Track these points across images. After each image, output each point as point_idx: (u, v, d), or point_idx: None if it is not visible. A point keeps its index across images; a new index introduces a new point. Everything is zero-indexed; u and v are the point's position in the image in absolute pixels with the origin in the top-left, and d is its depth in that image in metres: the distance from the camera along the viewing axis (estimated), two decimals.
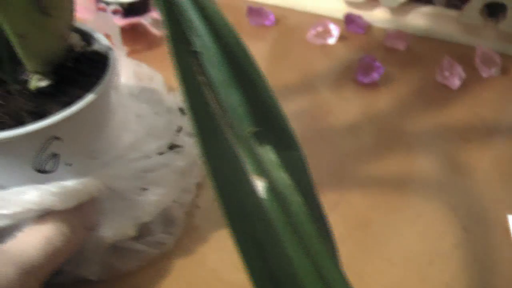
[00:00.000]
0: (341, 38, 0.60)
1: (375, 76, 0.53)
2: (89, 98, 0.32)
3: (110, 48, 0.36)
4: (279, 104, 0.22)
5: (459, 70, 0.53)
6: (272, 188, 0.18)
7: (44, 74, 0.32)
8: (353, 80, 0.54)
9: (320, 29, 0.59)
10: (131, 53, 0.57)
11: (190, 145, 0.42)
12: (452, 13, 0.60)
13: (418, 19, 0.61)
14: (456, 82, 0.53)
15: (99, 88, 0.33)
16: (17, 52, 0.31)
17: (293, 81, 0.54)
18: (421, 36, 0.61)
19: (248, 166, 0.19)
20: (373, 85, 0.53)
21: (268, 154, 0.19)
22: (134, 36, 0.59)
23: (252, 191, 0.18)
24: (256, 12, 0.62)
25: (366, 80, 0.53)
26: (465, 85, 0.53)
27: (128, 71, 0.48)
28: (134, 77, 0.48)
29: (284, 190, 0.19)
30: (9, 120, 0.31)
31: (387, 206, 0.42)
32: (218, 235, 0.39)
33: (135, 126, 0.39)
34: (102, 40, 0.36)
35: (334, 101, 0.52)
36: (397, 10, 0.61)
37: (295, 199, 0.18)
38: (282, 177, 0.19)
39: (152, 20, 0.58)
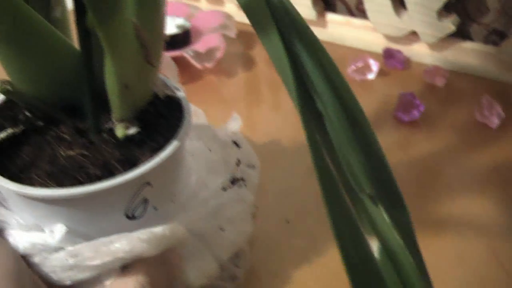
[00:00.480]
0: (381, 73, 0.61)
1: (415, 114, 0.54)
2: (175, 143, 0.33)
3: (179, 90, 0.38)
4: (389, 164, 0.23)
5: (498, 109, 0.53)
6: (386, 248, 0.19)
7: (129, 121, 0.33)
8: (392, 116, 0.55)
9: (360, 64, 0.60)
10: None
11: (252, 176, 0.42)
12: (491, 49, 0.60)
13: (457, 54, 0.61)
14: (495, 121, 0.53)
15: (181, 132, 0.34)
16: (112, 101, 0.32)
17: None
18: (460, 72, 0.61)
19: (365, 226, 0.20)
20: (412, 123, 0.54)
21: (382, 215, 0.21)
22: None
23: (368, 250, 0.19)
24: None
25: (406, 117, 0.54)
26: (504, 124, 0.54)
27: None
28: None
29: (396, 251, 0.20)
30: (97, 170, 0.32)
31: (426, 247, 0.43)
32: (285, 267, 0.41)
33: (193, 165, 0.40)
34: (169, 82, 0.38)
35: None
36: (436, 46, 0.62)
37: (407, 261, 0.19)
38: (395, 238, 0.20)
39: (193, 52, 0.60)
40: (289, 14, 0.24)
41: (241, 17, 0.71)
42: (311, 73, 0.23)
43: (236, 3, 0.69)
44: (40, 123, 0.34)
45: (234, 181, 0.41)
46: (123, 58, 0.30)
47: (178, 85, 0.54)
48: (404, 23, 0.62)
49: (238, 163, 0.43)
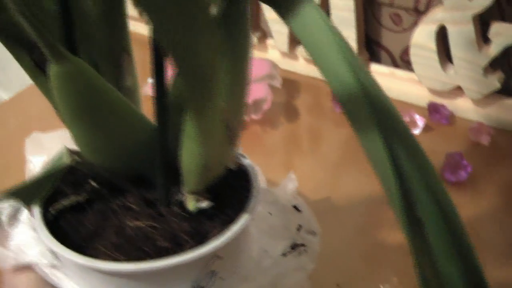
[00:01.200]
0: (426, 128, 0.61)
1: (463, 175, 0.54)
2: (246, 216, 0.33)
3: (244, 157, 0.38)
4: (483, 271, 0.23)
5: None
6: None
7: (200, 194, 0.33)
8: (439, 176, 0.55)
9: (406, 119, 0.60)
10: None
11: (313, 243, 0.42)
12: None
13: (502, 111, 0.61)
14: None
15: (251, 204, 0.34)
16: (186, 178, 0.32)
17: (373, 177, 0.55)
18: (505, 130, 0.61)
19: None
20: (459, 184, 0.54)
21: None
22: None
23: None
24: None
25: (453, 178, 0.54)
26: None
27: None
28: None
29: None
30: (166, 242, 0.32)
31: None
32: None
33: (254, 230, 0.40)
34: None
35: None
36: (480, 102, 0.62)
37: None
38: None
39: None
40: (390, 113, 0.24)
41: (285, 65, 0.71)
42: (411, 178, 0.23)
43: (280, 49, 0.70)
44: (105, 192, 0.35)
45: (294, 246, 0.41)
46: (208, 141, 0.30)
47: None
48: (449, 78, 0.62)
49: (299, 228, 0.43)
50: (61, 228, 0.34)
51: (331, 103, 0.65)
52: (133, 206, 0.34)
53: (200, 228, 0.33)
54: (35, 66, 0.32)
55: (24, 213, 0.38)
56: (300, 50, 0.69)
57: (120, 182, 0.35)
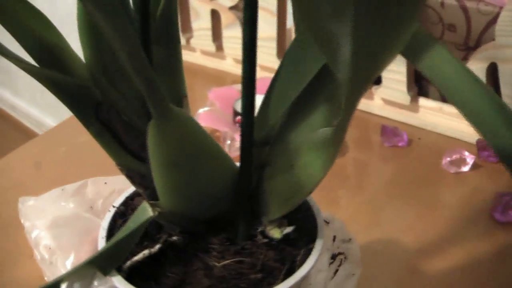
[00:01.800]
0: (475, 165, 0.61)
1: None
2: (321, 240, 0.34)
3: None
4: None
5: None
6: None
7: (279, 221, 0.34)
8: (488, 215, 0.54)
9: (455, 157, 0.60)
10: None
11: (352, 249, 0.43)
12: None
13: None
14: None
15: (320, 228, 0.35)
16: (272, 212, 0.33)
17: (421, 212, 0.55)
18: None
19: None
20: (509, 224, 0.54)
21: None
22: None
23: None
24: (390, 132, 0.64)
25: (502, 218, 0.53)
26: None
27: None
28: None
29: None
30: (257, 274, 0.32)
31: None
32: None
33: None
34: None
35: (468, 237, 0.52)
36: None
37: None
38: None
39: None
40: None
41: None
42: None
43: None
44: (183, 239, 0.34)
45: (334, 256, 0.42)
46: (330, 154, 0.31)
47: None
48: None
49: (334, 239, 0.44)
50: (141, 285, 0.32)
51: (379, 137, 0.65)
52: (215, 246, 0.34)
53: (285, 254, 0.34)
54: (101, 125, 0.33)
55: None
56: None
57: (197, 225, 0.35)
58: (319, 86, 0.30)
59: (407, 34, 0.18)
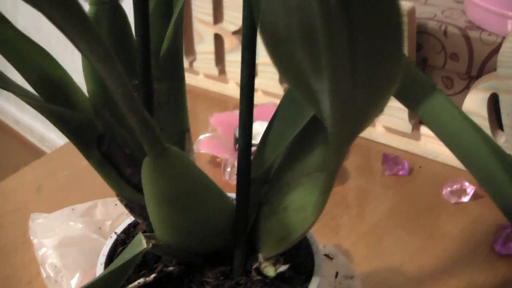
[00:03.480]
0: (475, 196, 0.61)
1: None
2: (318, 278, 0.34)
3: None
4: None
5: None
6: None
7: (275, 258, 0.34)
8: (489, 247, 0.54)
9: (455, 187, 0.60)
10: None
11: (354, 286, 0.43)
12: None
13: None
14: None
15: (318, 265, 0.35)
16: (268, 250, 0.33)
17: (422, 243, 0.55)
18: None
19: None
20: (511, 256, 0.53)
21: None
22: None
23: None
24: (391, 160, 0.64)
25: (503, 251, 0.53)
26: None
27: None
28: None
29: None
30: None
31: None
32: None
33: None
34: None
35: (469, 269, 0.52)
36: None
37: None
38: None
39: None
40: None
41: None
42: None
43: None
44: (179, 270, 0.35)
45: None
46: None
47: None
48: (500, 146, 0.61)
49: (336, 275, 0.44)
50: None
51: (381, 165, 0.65)
52: (210, 280, 0.34)
53: None
54: (102, 157, 0.33)
55: None
56: None
57: (193, 258, 0.35)
58: (316, 128, 0.30)
59: (386, 98, 0.18)
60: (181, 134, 0.36)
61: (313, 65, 0.18)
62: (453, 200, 0.60)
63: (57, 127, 0.32)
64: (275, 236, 0.32)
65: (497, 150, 0.25)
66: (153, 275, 0.34)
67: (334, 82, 0.17)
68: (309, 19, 0.16)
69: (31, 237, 0.53)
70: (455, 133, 0.25)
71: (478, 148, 0.25)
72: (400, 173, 0.64)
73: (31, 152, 2.05)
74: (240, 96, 0.29)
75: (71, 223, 0.53)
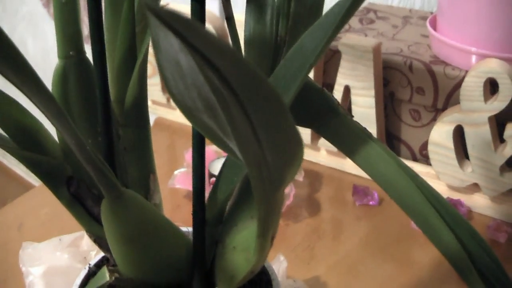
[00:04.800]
0: None
1: None
2: None
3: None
4: None
5: None
6: None
7: None
8: (457, 274, 0.56)
9: None
10: None
11: None
12: None
13: None
14: None
15: None
16: (222, 282, 0.35)
17: (392, 271, 0.57)
18: None
19: None
20: None
21: None
22: None
23: None
24: (361, 191, 0.66)
25: None
26: None
27: None
28: None
29: None
30: None
31: None
32: None
33: None
34: None
35: None
36: (498, 199, 0.64)
37: None
38: None
39: None
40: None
41: (307, 156, 0.74)
42: None
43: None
44: None
45: None
46: (262, 253, 0.32)
47: None
48: (466, 176, 0.64)
49: None
50: None
51: (351, 196, 0.67)
52: None
53: None
54: (71, 197, 0.35)
55: None
56: (322, 142, 0.72)
57: None
58: None
59: (296, 159, 0.21)
60: (146, 177, 0.38)
61: (222, 130, 0.20)
62: None
63: (30, 170, 0.34)
64: (227, 274, 0.34)
65: (432, 195, 0.27)
66: None
67: (240, 144, 0.19)
68: (206, 94, 0.18)
69: (20, 265, 0.55)
70: (391, 181, 0.27)
71: (413, 194, 0.27)
72: (370, 203, 0.66)
73: (19, 184, 2.06)
74: (192, 148, 0.31)
75: (58, 253, 0.55)
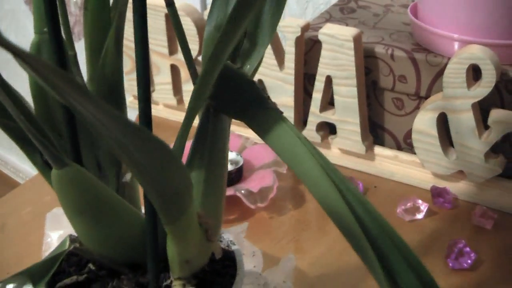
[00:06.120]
0: (429, 212, 0.62)
1: (467, 262, 0.55)
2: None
3: (234, 244, 0.40)
4: None
5: None
6: None
7: (187, 280, 0.36)
8: (443, 262, 0.56)
9: (409, 205, 0.61)
10: (224, 224, 0.60)
11: None
12: None
13: (505, 195, 0.63)
14: None
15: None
16: (172, 268, 0.35)
17: None
18: (509, 214, 0.62)
19: None
20: (463, 271, 0.55)
21: None
22: (225, 205, 0.63)
23: None
24: None
25: (456, 265, 0.55)
26: None
27: None
28: None
29: None
30: None
31: None
32: None
33: None
34: (226, 236, 0.41)
35: None
36: (483, 185, 0.63)
37: None
38: None
39: (246, 191, 0.61)
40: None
41: None
42: None
43: None
44: (103, 274, 0.38)
45: None
46: (186, 241, 0.34)
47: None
48: (451, 163, 0.63)
49: None
50: None
51: None
52: None
53: None
54: (45, 164, 0.36)
55: None
56: (305, 133, 0.71)
57: (116, 266, 0.38)
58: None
59: None
60: (119, 165, 0.39)
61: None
62: (407, 218, 0.62)
63: (8, 135, 0.35)
64: (176, 260, 0.35)
65: (329, 167, 0.28)
66: (84, 275, 0.38)
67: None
68: None
69: (45, 230, 0.57)
70: (294, 155, 0.28)
71: (310, 163, 0.28)
72: None
73: (5, 183, 2.05)
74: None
75: None
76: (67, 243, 0.39)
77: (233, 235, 0.43)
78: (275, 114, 0.30)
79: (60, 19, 0.32)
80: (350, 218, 0.26)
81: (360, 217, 0.27)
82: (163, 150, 0.26)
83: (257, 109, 0.31)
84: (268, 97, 0.31)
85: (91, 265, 0.38)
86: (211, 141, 0.34)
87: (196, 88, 0.31)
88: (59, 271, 0.38)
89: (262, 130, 0.30)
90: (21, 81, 0.46)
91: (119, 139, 0.24)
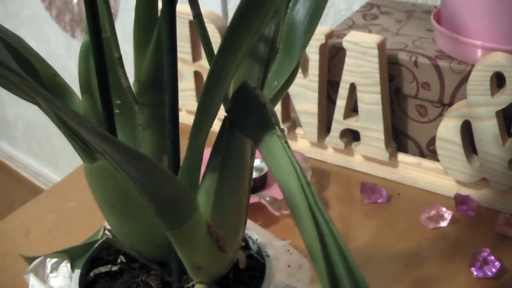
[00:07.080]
0: (453, 220, 0.62)
1: (492, 271, 0.54)
2: None
3: (267, 255, 0.40)
4: None
5: None
6: None
7: (208, 285, 0.37)
8: (467, 271, 0.56)
9: (433, 213, 0.61)
10: None
11: None
12: None
13: None
14: None
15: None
16: (189, 273, 0.36)
17: (402, 268, 0.57)
18: None
19: None
20: (487, 280, 0.55)
21: None
22: (250, 212, 0.63)
23: None
24: (369, 189, 0.65)
25: (481, 274, 0.55)
26: None
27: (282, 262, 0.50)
28: (283, 270, 0.50)
29: None
30: None
31: None
32: None
33: None
34: (262, 246, 0.42)
35: None
36: (507, 193, 0.63)
37: None
38: None
39: (270, 199, 0.62)
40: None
41: (314, 154, 0.73)
42: None
43: (309, 139, 0.72)
44: (134, 267, 0.40)
45: None
46: (191, 249, 0.34)
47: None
48: (475, 171, 0.63)
49: None
50: None
51: (360, 194, 0.66)
52: (153, 284, 0.38)
53: None
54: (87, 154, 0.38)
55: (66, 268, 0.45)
56: (328, 140, 0.72)
57: (145, 261, 0.40)
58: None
59: None
60: (159, 156, 0.40)
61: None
62: (431, 225, 0.62)
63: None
64: (187, 266, 0.36)
65: (317, 206, 0.29)
66: (118, 266, 0.40)
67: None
68: None
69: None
70: (280, 167, 0.29)
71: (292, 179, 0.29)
72: (379, 201, 0.65)
73: (26, 188, 2.07)
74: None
75: None
76: (101, 233, 0.42)
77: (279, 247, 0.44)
78: (278, 141, 0.31)
79: (107, 20, 0.33)
80: (321, 263, 0.26)
81: (332, 263, 0.27)
82: (143, 159, 0.28)
83: (263, 132, 0.31)
84: (276, 122, 0.32)
85: (122, 257, 0.41)
86: (224, 154, 0.35)
87: (199, 105, 0.32)
88: (96, 257, 0.41)
89: (264, 153, 0.31)
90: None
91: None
